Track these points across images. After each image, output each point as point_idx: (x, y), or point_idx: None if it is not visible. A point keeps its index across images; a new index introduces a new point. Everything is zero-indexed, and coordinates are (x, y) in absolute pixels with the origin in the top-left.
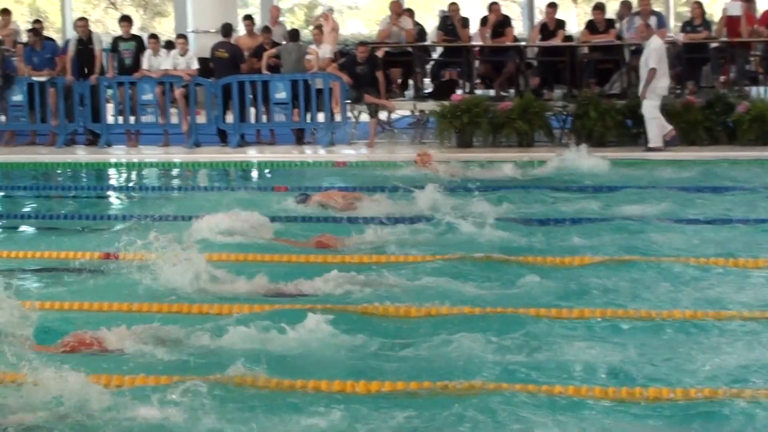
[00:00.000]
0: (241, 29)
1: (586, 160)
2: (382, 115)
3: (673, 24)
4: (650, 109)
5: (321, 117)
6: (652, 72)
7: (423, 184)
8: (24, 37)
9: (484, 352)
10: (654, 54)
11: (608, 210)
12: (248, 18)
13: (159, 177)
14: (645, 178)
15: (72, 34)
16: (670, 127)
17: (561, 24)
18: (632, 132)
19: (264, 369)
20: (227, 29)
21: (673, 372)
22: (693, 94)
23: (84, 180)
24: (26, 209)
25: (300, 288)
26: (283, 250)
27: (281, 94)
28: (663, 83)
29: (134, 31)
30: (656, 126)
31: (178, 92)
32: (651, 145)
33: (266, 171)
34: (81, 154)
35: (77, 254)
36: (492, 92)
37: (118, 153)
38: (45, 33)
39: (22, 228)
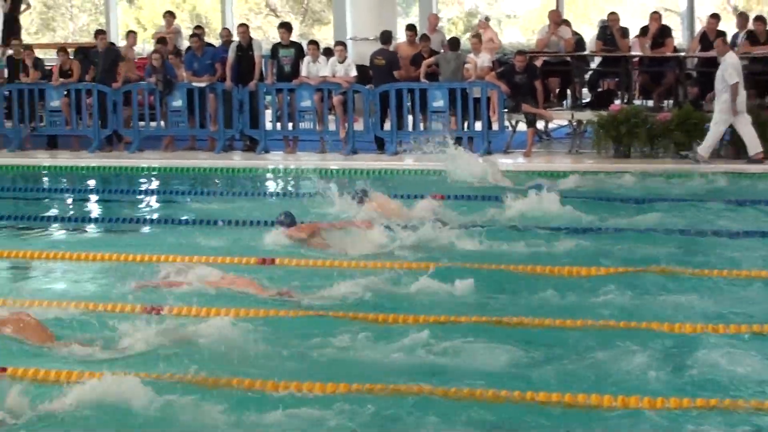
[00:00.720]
0: (400, 37)
1: None
2: (540, 125)
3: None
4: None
5: (478, 126)
6: (735, 86)
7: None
8: (185, 40)
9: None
10: (732, 69)
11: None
12: (411, 28)
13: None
14: None
15: (220, 40)
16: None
17: (721, 35)
18: None
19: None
20: (386, 37)
21: None
22: None
23: (241, 185)
24: (186, 213)
25: None
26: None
27: (439, 103)
28: (741, 97)
29: (294, 38)
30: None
31: (336, 99)
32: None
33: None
34: (238, 160)
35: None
36: (650, 103)
37: (275, 159)
38: (205, 39)
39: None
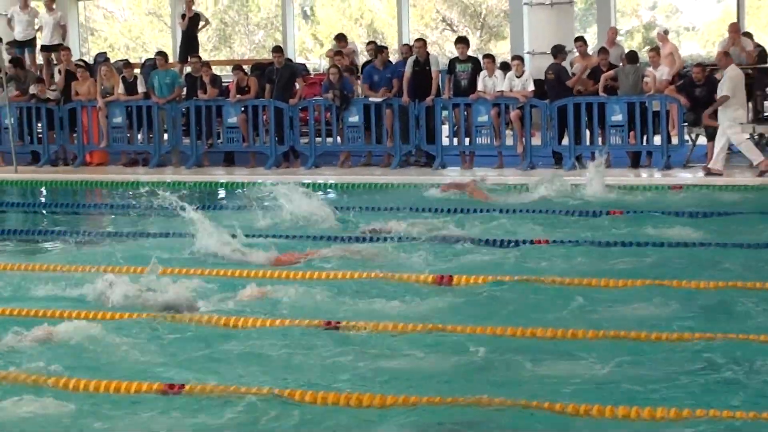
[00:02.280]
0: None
1: None
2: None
3: None
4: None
5: (657, 140)
6: (723, 98)
7: None
8: (362, 55)
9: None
10: (728, 82)
11: None
12: (579, 40)
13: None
14: None
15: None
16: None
17: None
18: None
19: None
20: (557, 50)
21: None
22: None
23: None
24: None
25: None
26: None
27: (617, 117)
28: (740, 113)
29: (470, 52)
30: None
31: (513, 114)
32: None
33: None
34: (414, 176)
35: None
36: None
37: (452, 175)
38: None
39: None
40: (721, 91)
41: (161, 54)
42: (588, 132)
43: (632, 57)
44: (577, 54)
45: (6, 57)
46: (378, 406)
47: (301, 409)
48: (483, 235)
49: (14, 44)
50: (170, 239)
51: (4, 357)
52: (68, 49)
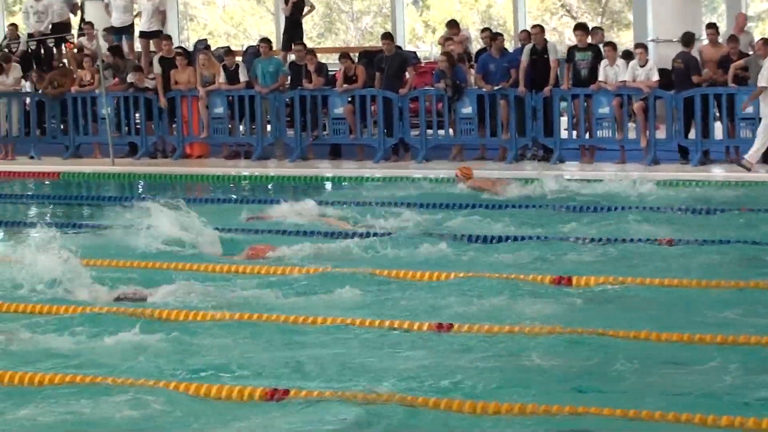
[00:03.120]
0: (704, 38)
1: None
2: None
3: None
4: None
5: None
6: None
7: None
8: (476, 46)
9: None
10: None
11: None
12: (712, 27)
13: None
14: None
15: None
16: None
17: None
18: None
19: None
20: (687, 39)
21: None
22: None
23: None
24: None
25: None
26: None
27: (749, 109)
28: None
29: (591, 40)
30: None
31: (636, 105)
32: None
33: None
34: (529, 171)
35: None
36: None
37: (570, 170)
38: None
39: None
40: (761, 81)
41: (264, 41)
42: (717, 125)
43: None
44: (706, 42)
45: (104, 44)
46: (492, 413)
47: (420, 414)
48: (602, 234)
49: (112, 31)
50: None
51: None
52: (169, 37)
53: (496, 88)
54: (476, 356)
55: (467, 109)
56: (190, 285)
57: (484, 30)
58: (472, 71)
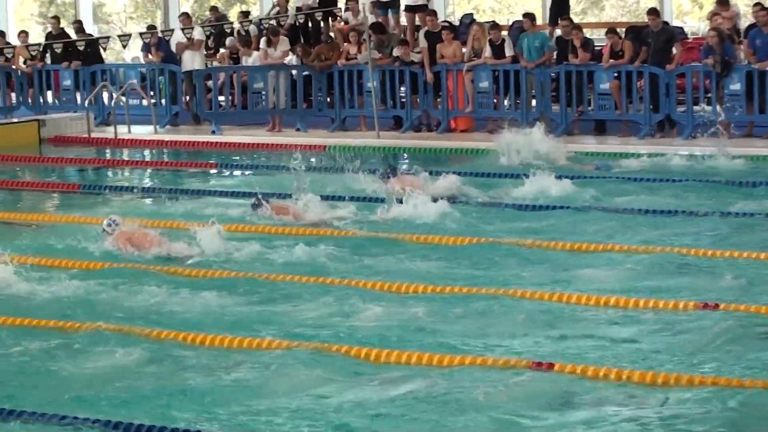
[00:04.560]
0: None
1: None
2: None
3: None
4: None
5: None
6: None
7: None
8: (744, 21)
9: None
10: None
11: None
12: None
13: None
14: None
15: None
16: None
17: None
18: None
19: None
20: None
21: None
22: None
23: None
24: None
25: None
26: None
27: None
28: None
29: None
30: None
31: None
32: None
33: None
34: None
35: None
36: None
37: None
38: None
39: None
40: None
41: (529, 16)
42: None
43: None
44: None
45: (370, 18)
46: None
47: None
48: None
49: (378, 5)
50: None
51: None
52: (434, 12)
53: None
54: None
55: (735, 86)
56: None
57: (755, 4)
58: (741, 47)
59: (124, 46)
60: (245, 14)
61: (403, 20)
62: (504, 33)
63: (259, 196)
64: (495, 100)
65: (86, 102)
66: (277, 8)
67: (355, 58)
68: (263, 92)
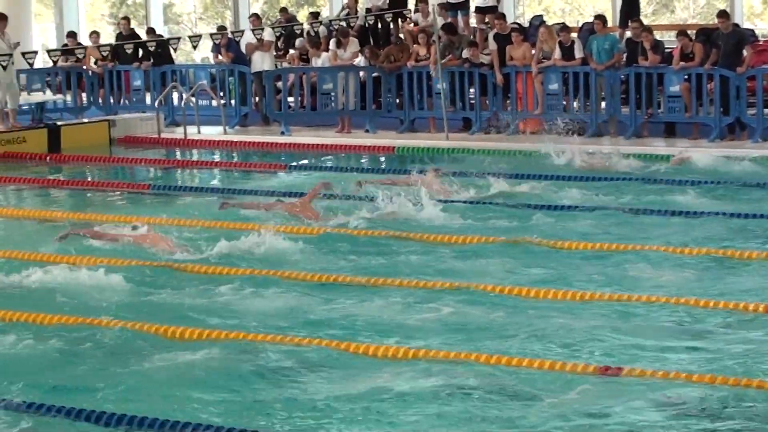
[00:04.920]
0: None
1: None
2: None
3: None
4: None
5: None
6: None
7: None
8: None
9: None
10: None
11: None
12: None
13: None
14: None
15: None
16: None
17: None
18: None
19: None
20: None
21: None
22: None
23: None
24: None
25: None
26: None
27: None
28: None
29: None
30: None
31: None
32: None
33: None
34: None
35: None
36: None
37: None
38: None
39: None
40: None
41: (599, 18)
42: None
43: None
44: None
45: (440, 21)
46: None
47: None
48: None
49: (448, 6)
50: None
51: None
52: (503, 15)
53: None
54: None
55: None
56: None
57: None
58: None
59: (195, 47)
60: (315, 15)
61: (473, 22)
62: (574, 35)
63: (224, 199)
64: (564, 102)
65: (156, 102)
66: (347, 10)
67: (426, 60)
68: (332, 93)
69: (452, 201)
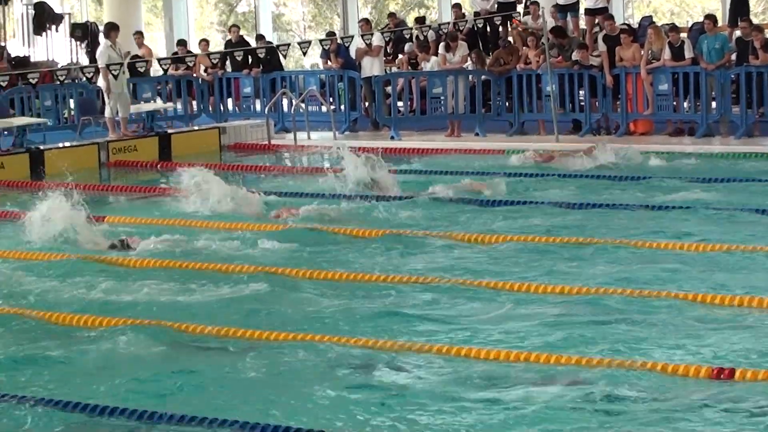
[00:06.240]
0: None
1: None
2: None
3: None
4: None
5: None
6: None
7: None
8: None
9: None
10: None
11: None
12: None
13: None
14: None
15: None
16: None
17: None
18: None
19: None
20: None
21: None
22: None
23: None
24: None
25: None
26: None
27: None
28: None
29: None
30: None
31: None
32: None
33: None
34: None
35: None
36: None
37: None
38: None
39: None
40: None
41: (709, 17)
42: None
43: None
44: None
45: (549, 22)
46: None
47: None
48: None
49: (558, 8)
50: None
51: None
52: (612, 16)
53: None
54: None
55: None
56: None
57: None
58: None
59: (304, 53)
60: (421, 20)
61: (582, 23)
62: (683, 35)
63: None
64: (674, 103)
65: (266, 109)
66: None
67: (537, 62)
68: (442, 97)
69: None
